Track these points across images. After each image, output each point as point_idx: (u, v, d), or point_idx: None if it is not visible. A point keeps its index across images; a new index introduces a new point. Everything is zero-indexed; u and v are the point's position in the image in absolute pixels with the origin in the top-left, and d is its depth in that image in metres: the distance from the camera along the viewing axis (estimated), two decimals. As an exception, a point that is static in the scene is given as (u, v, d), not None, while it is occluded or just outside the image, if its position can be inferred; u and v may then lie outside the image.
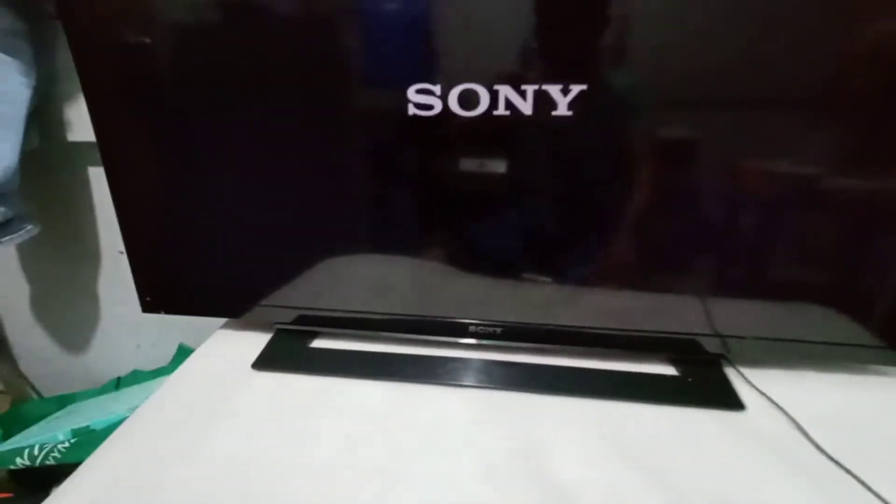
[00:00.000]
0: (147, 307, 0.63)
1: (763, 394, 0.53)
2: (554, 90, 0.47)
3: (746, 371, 0.56)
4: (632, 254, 0.54)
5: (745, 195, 0.50)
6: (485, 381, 0.56)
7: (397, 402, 0.53)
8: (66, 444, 0.78)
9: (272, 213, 0.58)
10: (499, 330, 0.58)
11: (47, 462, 0.79)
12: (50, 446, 0.79)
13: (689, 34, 0.44)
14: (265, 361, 0.60)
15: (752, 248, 0.53)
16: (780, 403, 0.51)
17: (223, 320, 0.69)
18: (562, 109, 0.47)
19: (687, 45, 0.45)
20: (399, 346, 0.62)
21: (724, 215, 0.52)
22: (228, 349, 0.63)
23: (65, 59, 0.79)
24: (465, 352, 0.60)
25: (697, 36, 0.44)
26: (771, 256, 0.53)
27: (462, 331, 0.59)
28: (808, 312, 0.53)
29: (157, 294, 0.63)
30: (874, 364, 0.56)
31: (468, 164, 0.52)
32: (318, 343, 0.64)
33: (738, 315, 0.54)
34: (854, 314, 0.52)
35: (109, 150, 0.56)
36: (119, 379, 1.08)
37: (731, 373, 0.56)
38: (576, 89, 0.46)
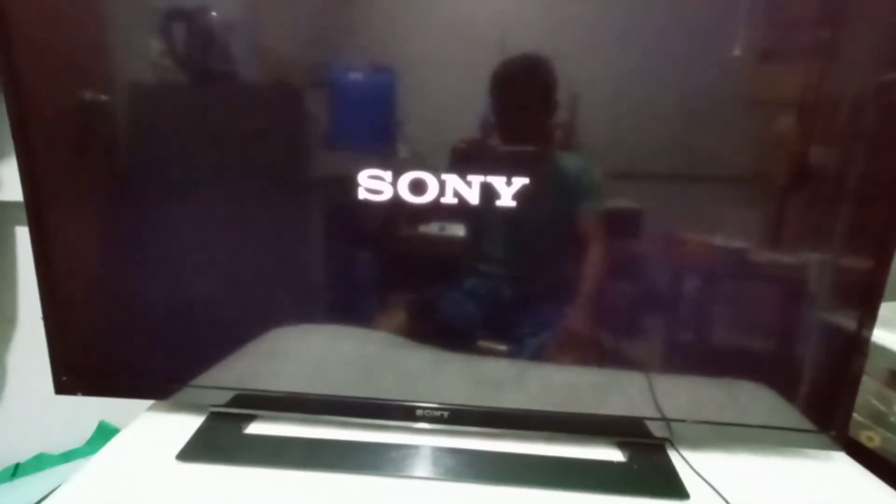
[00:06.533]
0: (62, 388, 0.57)
1: (706, 481, 0.53)
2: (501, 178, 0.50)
3: (689, 455, 0.57)
4: (580, 325, 0.56)
5: (685, 269, 0.54)
6: (430, 473, 0.53)
7: (335, 500, 0.50)
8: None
9: (210, 284, 0.56)
10: (446, 414, 0.56)
11: None
12: None
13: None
14: (192, 451, 0.55)
15: (691, 323, 0.56)
16: (721, 490, 0.52)
17: (150, 400, 0.63)
18: (515, 187, 0.50)
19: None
20: (342, 431, 0.58)
21: (666, 289, 0.55)
22: (154, 434, 0.58)
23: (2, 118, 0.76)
24: (412, 436, 0.58)
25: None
26: (711, 333, 0.56)
27: (409, 414, 0.57)
28: (747, 395, 0.55)
29: (75, 373, 0.57)
30: (808, 448, 0.58)
31: (423, 234, 0.54)
32: (254, 427, 0.59)
33: (681, 396, 0.56)
34: (789, 398, 0.55)
35: (37, 209, 0.53)
36: (17, 465, 0.94)
37: (674, 457, 0.57)
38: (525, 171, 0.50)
